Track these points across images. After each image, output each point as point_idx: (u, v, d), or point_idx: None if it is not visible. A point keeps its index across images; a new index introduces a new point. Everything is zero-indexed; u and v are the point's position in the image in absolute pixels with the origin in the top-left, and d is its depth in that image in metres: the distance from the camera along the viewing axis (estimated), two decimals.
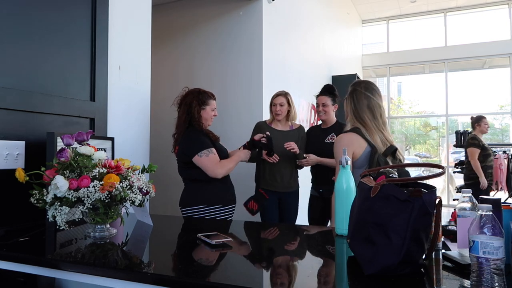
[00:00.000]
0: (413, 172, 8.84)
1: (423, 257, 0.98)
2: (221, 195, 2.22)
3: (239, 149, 2.39)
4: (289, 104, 2.80)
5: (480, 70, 9.34)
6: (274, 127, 2.82)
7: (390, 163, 1.75)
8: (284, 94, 2.81)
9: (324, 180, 2.65)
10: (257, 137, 2.42)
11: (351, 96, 1.88)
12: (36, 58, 1.63)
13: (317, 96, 2.90)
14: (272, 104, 2.85)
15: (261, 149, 2.45)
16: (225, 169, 2.17)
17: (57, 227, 1.21)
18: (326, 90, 2.87)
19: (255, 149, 2.44)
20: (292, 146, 2.61)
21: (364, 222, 1.00)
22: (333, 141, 2.81)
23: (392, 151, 1.77)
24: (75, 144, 1.36)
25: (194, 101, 2.21)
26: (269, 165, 2.69)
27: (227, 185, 2.30)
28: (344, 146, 1.73)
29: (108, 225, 1.34)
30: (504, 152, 5.57)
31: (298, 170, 2.89)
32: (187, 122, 2.22)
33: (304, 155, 2.70)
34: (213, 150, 2.16)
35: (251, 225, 1.79)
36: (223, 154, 2.26)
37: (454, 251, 1.09)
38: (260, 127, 2.85)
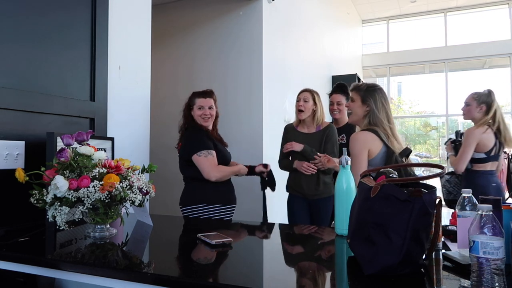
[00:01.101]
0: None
1: (423, 257, 0.98)
2: (221, 194, 2.23)
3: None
4: (314, 103, 2.58)
5: (480, 70, 9.35)
6: (300, 130, 2.65)
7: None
8: (310, 91, 2.61)
9: None
10: (257, 169, 2.35)
11: (368, 99, 1.82)
12: (36, 58, 1.62)
13: (330, 95, 2.84)
14: (296, 100, 2.63)
15: (263, 182, 2.36)
16: (220, 174, 2.17)
17: (57, 227, 1.21)
18: (341, 89, 2.79)
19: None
20: (287, 146, 2.56)
21: (364, 222, 1.00)
22: (343, 141, 2.75)
23: (408, 153, 1.77)
24: (75, 144, 1.36)
25: (185, 106, 2.33)
26: (293, 171, 2.60)
27: (228, 185, 2.30)
28: (361, 143, 1.72)
29: (108, 225, 1.34)
30: (505, 152, 5.54)
31: (328, 174, 2.61)
32: (185, 126, 2.32)
33: (315, 156, 2.46)
34: (213, 152, 2.17)
35: (251, 225, 1.79)
36: (226, 159, 2.28)
37: (454, 251, 1.09)
38: (287, 130, 2.72)
